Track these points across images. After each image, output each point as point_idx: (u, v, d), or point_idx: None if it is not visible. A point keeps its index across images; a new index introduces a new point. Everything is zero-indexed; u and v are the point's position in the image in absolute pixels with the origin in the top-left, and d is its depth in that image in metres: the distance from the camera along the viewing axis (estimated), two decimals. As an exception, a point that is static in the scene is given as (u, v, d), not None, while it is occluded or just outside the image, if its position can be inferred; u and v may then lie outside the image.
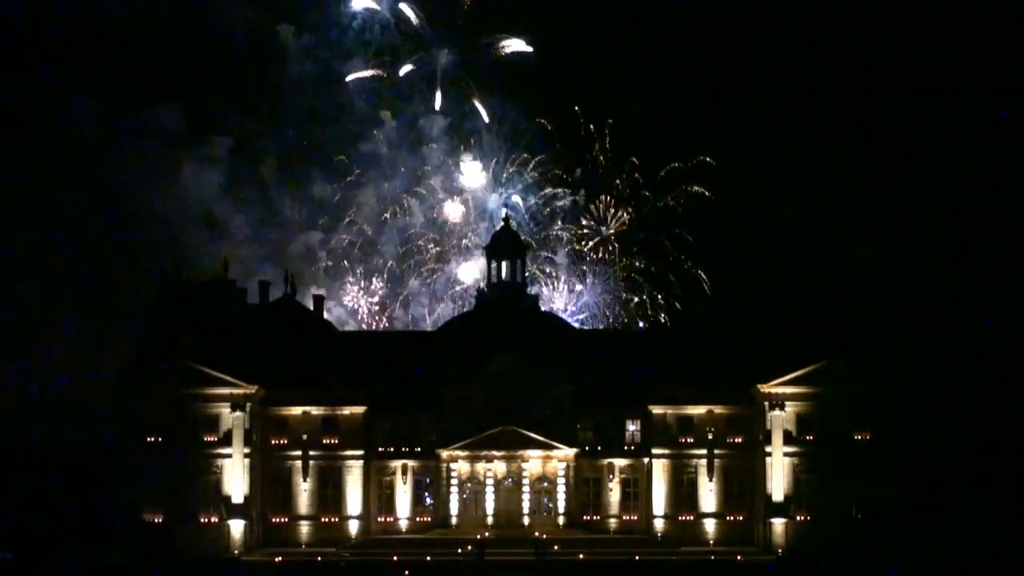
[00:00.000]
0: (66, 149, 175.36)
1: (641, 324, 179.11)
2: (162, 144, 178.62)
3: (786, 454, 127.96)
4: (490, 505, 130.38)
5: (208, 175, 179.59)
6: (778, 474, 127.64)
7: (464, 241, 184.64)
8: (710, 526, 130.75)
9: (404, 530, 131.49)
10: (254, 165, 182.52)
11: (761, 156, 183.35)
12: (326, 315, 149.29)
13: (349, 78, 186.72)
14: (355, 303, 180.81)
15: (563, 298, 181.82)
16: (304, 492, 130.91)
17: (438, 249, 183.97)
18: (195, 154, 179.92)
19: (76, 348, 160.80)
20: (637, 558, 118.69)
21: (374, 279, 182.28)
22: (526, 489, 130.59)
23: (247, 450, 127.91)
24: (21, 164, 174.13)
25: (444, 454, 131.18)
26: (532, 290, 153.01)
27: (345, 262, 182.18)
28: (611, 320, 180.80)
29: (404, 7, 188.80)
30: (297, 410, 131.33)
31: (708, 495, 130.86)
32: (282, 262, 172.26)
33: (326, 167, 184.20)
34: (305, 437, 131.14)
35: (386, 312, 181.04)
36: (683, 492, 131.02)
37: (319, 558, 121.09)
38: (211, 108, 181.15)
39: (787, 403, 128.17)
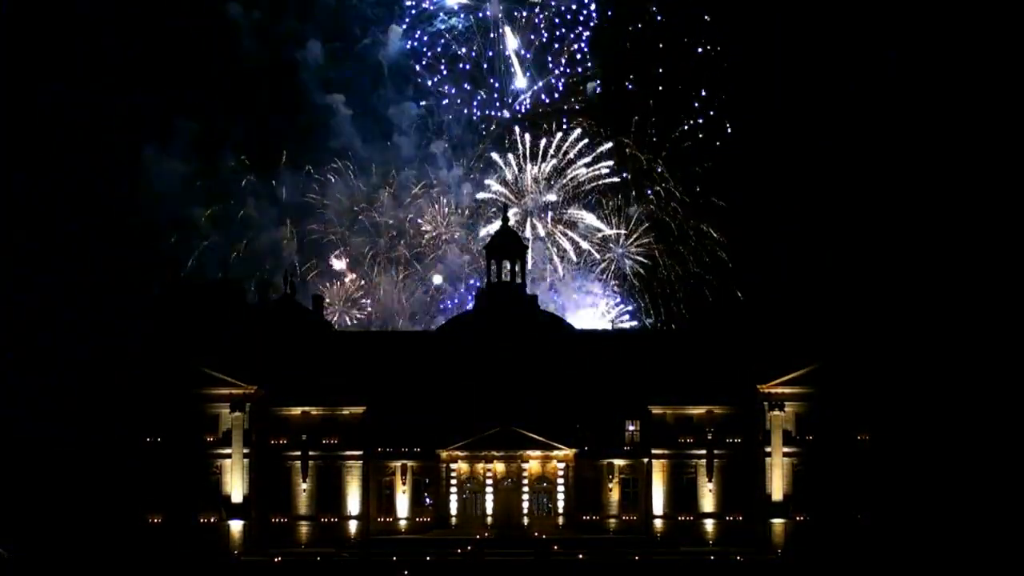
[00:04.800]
0: (42, 143, 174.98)
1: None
2: (128, 134, 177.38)
3: (785, 454, 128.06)
4: (489, 505, 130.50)
5: (172, 165, 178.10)
6: (777, 474, 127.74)
7: (441, 234, 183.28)
8: (709, 526, 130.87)
9: (403, 530, 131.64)
10: (218, 158, 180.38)
11: (761, 155, 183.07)
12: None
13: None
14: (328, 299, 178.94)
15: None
16: (303, 492, 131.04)
17: (423, 235, 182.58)
18: (159, 144, 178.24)
19: (76, 348, 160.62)
20: (636, 558, 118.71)
21: (346, 275, 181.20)
22: (525, 489, 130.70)
23: (247, 450, 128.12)
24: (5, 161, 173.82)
25: (443, 454, 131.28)
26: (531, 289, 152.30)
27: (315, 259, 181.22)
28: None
29: None
30: (297, 410, 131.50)
31: (707, 495, 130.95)
32: (250, 257, 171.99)
33: (293, 160, 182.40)
34: (305, 437, 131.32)
35: (357, 307, 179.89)
36: (682, 492, 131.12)
37: (318, 558, 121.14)
38: (176, 97, 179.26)
39: (786, 403, 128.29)
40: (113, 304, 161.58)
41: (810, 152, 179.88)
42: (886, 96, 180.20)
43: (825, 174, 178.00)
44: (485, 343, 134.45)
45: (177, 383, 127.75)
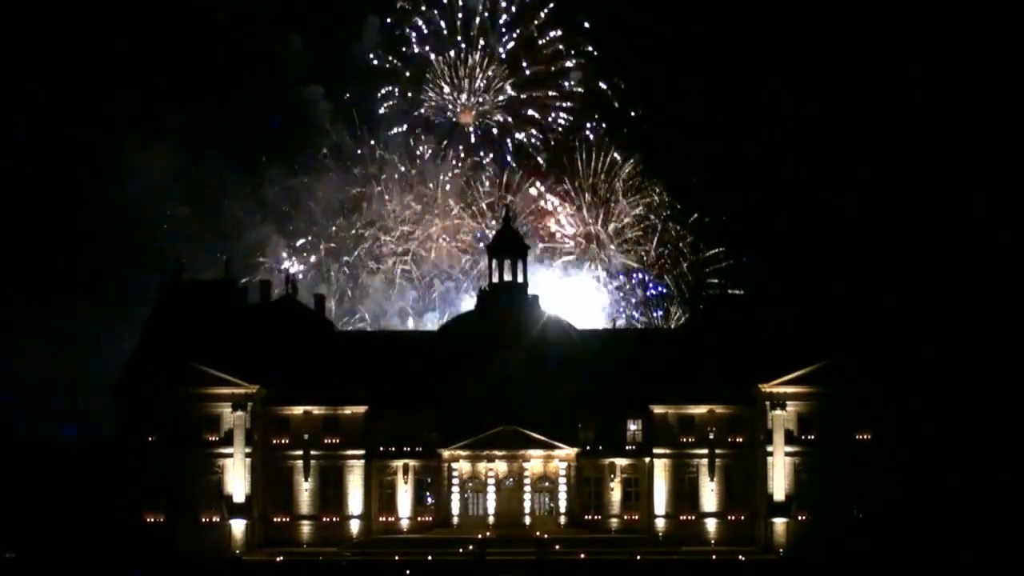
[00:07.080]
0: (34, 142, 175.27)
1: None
2: (113, 130, 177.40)
3: (787, 454, 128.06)
4: (491, 505, 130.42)
5: (157, 160, 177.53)
6: (779, 474, 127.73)
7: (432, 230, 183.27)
8: (711, 526, 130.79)
9: (405, 530, 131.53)
10: (202, 156, 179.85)
11: (762, 157, 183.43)
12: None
13: None
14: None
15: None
16: (305, 492, 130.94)
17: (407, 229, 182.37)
18: (145, 140, 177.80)
19: (76, 347, 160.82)
20: (638, 558, 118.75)
21: (332, 272, 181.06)
22: (527, 489, 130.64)
23: (248, 450, 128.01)
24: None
25: (445, 454, 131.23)
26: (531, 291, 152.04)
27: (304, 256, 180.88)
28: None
29: None
30: (298, 410, 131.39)
31: (709, 495, 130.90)
32: (235, 254, 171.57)
33: (279, 157, 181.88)
34: (306, 437, 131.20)
35: (344, 305, 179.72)
36: (684, 492, 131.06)
37: (320, 558, 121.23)
38: (161, 93, 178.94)
39: (788, 403, 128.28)
40: (113, 304, 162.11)
41: (810, 152, 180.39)
42: (887, 96, 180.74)
43: (826, 174, 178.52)
44: (487, 342, 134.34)
45: (178, 383, 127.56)
